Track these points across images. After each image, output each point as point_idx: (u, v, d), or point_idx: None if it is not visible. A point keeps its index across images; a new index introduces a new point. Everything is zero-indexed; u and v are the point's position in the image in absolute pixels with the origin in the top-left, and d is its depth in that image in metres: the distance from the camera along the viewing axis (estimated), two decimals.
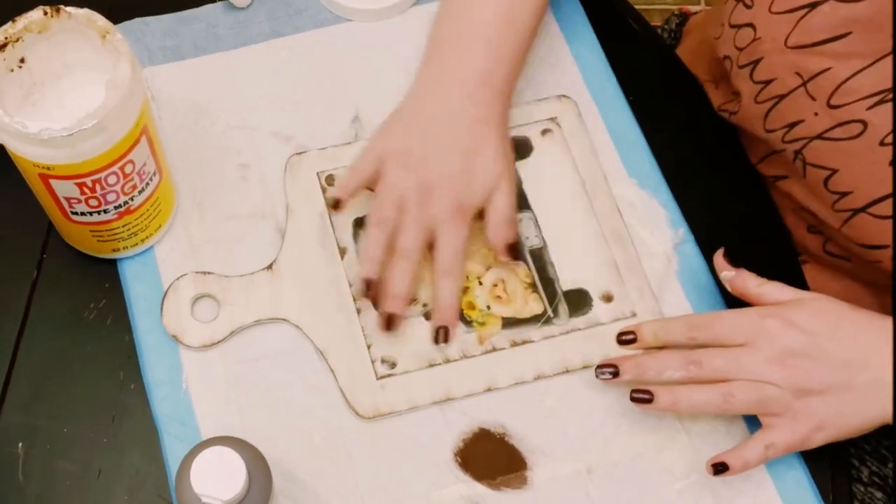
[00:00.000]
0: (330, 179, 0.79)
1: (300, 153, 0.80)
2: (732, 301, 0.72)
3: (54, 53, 0.67)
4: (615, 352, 0.71)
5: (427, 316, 0.74)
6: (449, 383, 0.72)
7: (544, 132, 0.81)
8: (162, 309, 0.73)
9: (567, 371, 0.73)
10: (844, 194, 0.74)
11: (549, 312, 0.75)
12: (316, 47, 0.84)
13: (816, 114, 0.73)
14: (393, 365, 0.73)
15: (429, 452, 0.71)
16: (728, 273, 0.71)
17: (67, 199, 0.68)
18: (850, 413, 0.66)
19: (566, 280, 0.76)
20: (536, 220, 0.78)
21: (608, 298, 0.76)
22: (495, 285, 0.76)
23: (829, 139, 0.73)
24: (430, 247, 0.73)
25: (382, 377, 0.72)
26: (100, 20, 0.65)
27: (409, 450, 0.71)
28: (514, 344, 0.74)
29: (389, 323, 0.73)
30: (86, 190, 0.66)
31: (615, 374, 0.69)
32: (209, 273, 0.75)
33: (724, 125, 0.85)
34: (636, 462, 0.71)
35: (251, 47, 0.84)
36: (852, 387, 0.66)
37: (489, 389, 0.72)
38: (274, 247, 0.76)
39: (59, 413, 0.71)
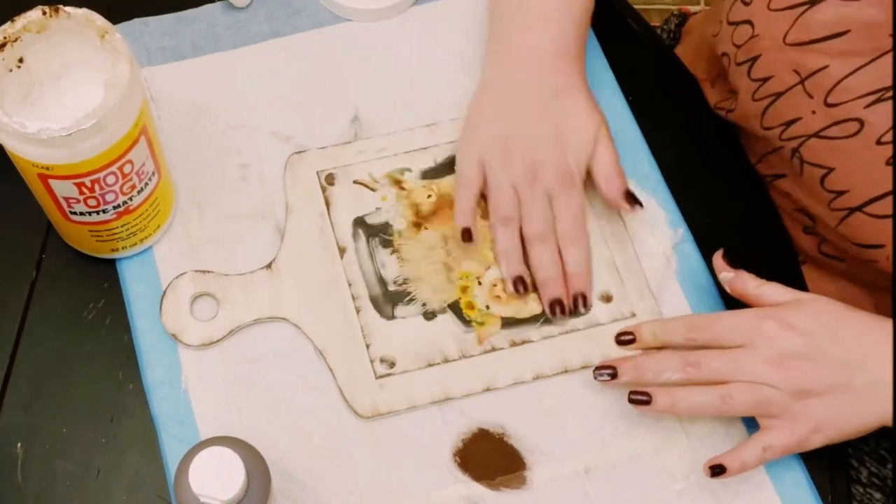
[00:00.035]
0: (329, 178, 0.79)
1: (300, 152, 0.80)
2: (731, 302, 0.72)
3: (53, 53, 0.67)
4: (614, 352, 0.71)
5: (427, 316, 0.74)
6: (448, 383, 0.72)
7: None
8: (161, 307, 0.73)
9: (566, 371, 0.73)
10: (841, 193, 0.74)
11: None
12: (315, 47, 0.84)
13: (814, 112, 0.73)
14: (392, 364, 0.73)
15: (428, 452, 0.71)
16: (727, 274, 0.71)
17: (66, 199, 0.68)
18: (848, 414, 0.66)
19: None
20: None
21: (607, 299, 0.76)
22: (494, 285, 0.76)
23: (826, 137, 0.73)
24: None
25: (381, 377, 0.72)
26: (99, 20, 0.65)
27: (409, 450, 0.71)
28: (514, 344, 0.74)
29: (562, 308, 0.74)
30: (84, 190, 0.66)
31: (613, 376, 0.69)
32: (208, 272, 0.75)
33: (724, 125, 0.85)
34: (635, 463, 0.71)
35: (251, 47, 0.84)
36: (851, 388, 0.66)
37: (488, 389, 0.72)
38: (273, 247, 0.76)
39: (59, 413, 0.72)
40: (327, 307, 0.74)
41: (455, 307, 0.75)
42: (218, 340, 0.73)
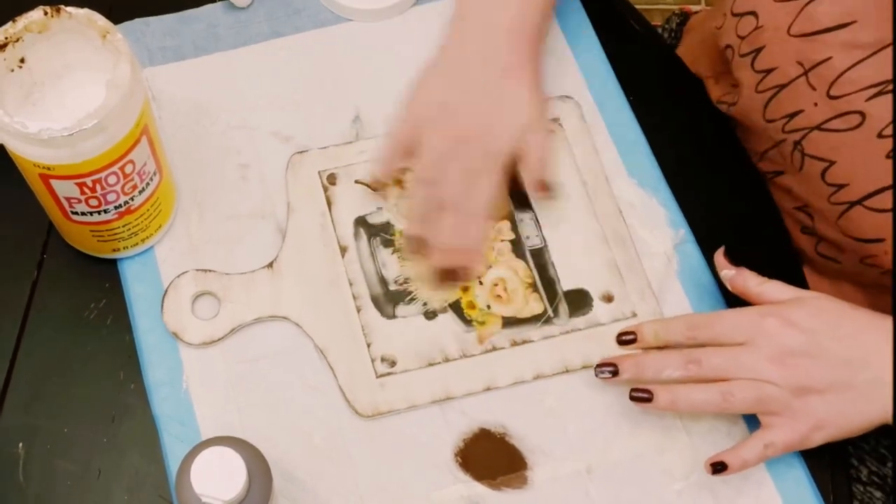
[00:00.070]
0: (331, 178, 0.79)
1: (302, 152, 0.80)
2: (733, 301, 0.72)
3: (54, 53, 0.67)
4: (615, 352, 0.71)
5: (428, 315, 0.75)
6: (448, 382, 0.72)
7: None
8: (162, 306, 0.73)
9: (567, 371, 0.73)
10: (841, 186, 0.74)
11: (550, 312, 0.75)
12: (316, 47, 0.84)
13: (816, 104, 0.73)
14: (393, 363, 0.73)
15: (429, 452, 0.71)
16: (728, 272, 0.71)
17: (67, 199, 0.68)
18: (849, 412, 0.66)
19: (566, 280, 0.76)
20: (537, 220, 0.78)
21: (608, 299, 0.76)
22: (495, 285, 0.76)
23: (828, 130, 0.73)
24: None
25: (382, 375, 0.72)
26: (100, 20, 0.65)
27: (409, 449, 0.71)
28: (514, 343, 0.74)
29: (445, 277, 0.74)
30: (86, 190, 0.66)
31: (614, 373, 0.69)
32: (210, 271, 0.75)
33: (725, 125, 0.85)
34: (636, 462, 0.71)
35: (251, 47, 0.84)
36: (852, 386, 0.66)
37: (488, 389, 0.72)
38: (274, 247, 0.76)
39: (60, 413, 0.72)
40: (328, 306, 0.74)
41: (456, 306, 0.75)
42: (219, 339, 0.73)
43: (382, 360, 0.73)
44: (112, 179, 0.67)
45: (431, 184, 0.74)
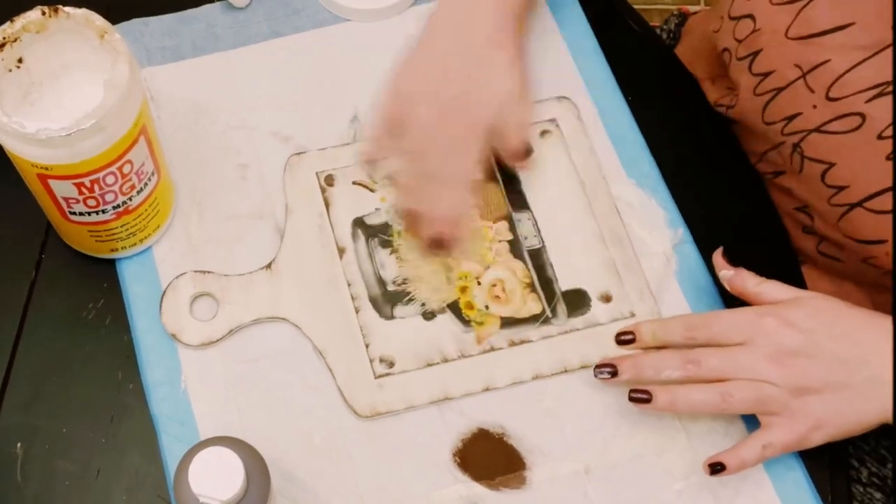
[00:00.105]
0: (329, 179, 0.79)
1: (300, 153, 0.80)
2: (731, 301, 0.72)
3: (52, 53, 0.67)
4: (613, 352, 0.71)
5: (426, 316, 0.74)
6: (447, 383, 0.72)
7: (543, 133, 0.81)
8: (161, 307, 0.73)
9: (565, 371, 0.73)
10: (841, 188, 0.74)
11: (548, 312, 0.75)
12: (315, 47, 0.84)
13: (815, 106, 0.73)
14: (391, 364, 0.73)
15: (428, 452, 0.71)
16: (727, 272, 0.71)
17: (66, 199, 0.68)
18: (848, 412, 0.66)
19: (565, 280, 0.76)
20: (535, 221, 0.78)
21: (607, 299, 0.76)
22: (494, 285, 0.76)
23: (827, 132, 0.73)
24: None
25: (380, 376, 0.72)
26: (98, 20, 0.65)
27: (409, 450, 0.71)
28: (513, 344, 0.74)
29: (436, 245, 0.74)
30: (84, 190, 0.66)
31: (613, 374, 0.69)
32: (208, 272, 0.75)
33: (724, 125, 0.85)
34: (635, 463, 0.71)
35: (250, 47, 0.84)
36: (850, 385, 0.66)
37: (487, 389, 0.72)
38: (273, 247, 0.76)
39: (58, 413, 0.72)
40: (327, 307, 0.74)
41: (454, 307, 0.75)
42: (217, 340, 0.73)
43: (381, 360, 0.73)
44: (110, 179, 0.67)
45: (419, 156, 0.74)
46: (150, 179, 0.70)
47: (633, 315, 0.75)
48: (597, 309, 0.75)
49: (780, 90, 0.76)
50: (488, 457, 0.71)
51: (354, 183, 0.79)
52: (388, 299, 0.75)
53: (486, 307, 0.75)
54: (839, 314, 0.67)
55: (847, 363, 0.66)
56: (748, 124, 0.81)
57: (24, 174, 0.67)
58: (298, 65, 0.83)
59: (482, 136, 0.74)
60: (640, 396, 0.68)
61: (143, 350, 0.73)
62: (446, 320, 0.75)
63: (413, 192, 0.75)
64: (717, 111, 0.86)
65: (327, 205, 0.78)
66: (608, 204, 0.79)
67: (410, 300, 0.75)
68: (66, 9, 0.66)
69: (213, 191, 0.78)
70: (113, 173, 0.66)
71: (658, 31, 1.05)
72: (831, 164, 0.74)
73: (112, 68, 0.64)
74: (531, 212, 0.79)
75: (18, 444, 0.71)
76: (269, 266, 0.75)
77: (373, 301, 0.75)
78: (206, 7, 0.85)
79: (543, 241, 0.78)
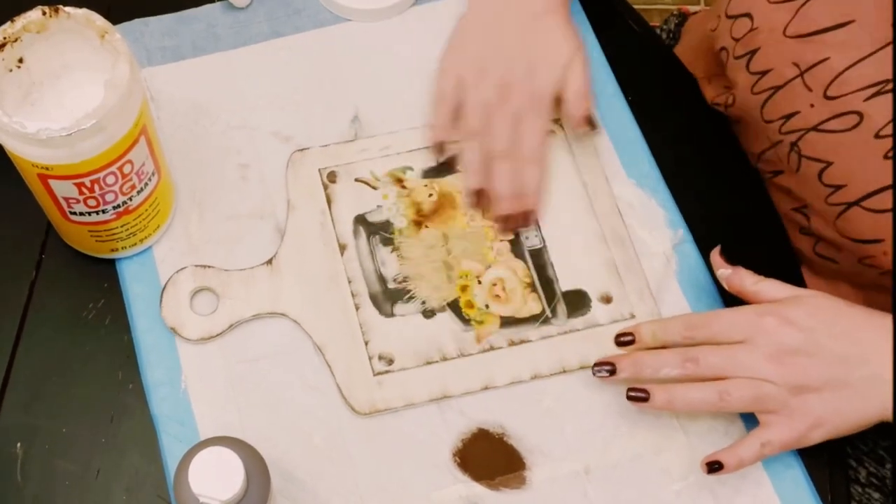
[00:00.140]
0: (331, 176, 0.79)
1: (302, 150, 0.80)
2: (731, 301, 0.72)
3: (53, 53, 0.67)
4: (612, 353, 0.71)
5: (426, 314, 0.75)
6: (446, 381, 0.72)
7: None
8: (161, 301, 0.73)
9: (564, 371, 0.73)
10: (839, 187, 0.74)
11: (548, 312, 0.75)
12: (315, 47, 0.84)
13: (812, 105, 0.73)
14: (390, 361, 0.73)
15: (428, 452, 0.71)
16: (725, 271, 0.71)
17: (66, 199, 0.68)
18: (847, 410, 0.66)
19: (565, 280, 0.76)
20: (536, 221, 0.78)
21: (607, 300, 0.76)
22: (494, 284, 0.76)
23: (825, 131, 0.73)
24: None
25: (379, 373, 0.72)
26: (98, 20, 0.66)
27: (409, 449, 0.71)
28: (512, 343, 0.74)
29: (511, 222, 0.75)
30: (84, 190, 0.67)
31: (612, 372, 0.69)
32: (209, 267, 0.75)
33: (724, 125, 0.85)
34: (634, 463, 0.71)
35: (251, 47, 0.84)
36: (849, 383, 0.66)
37: (486, 388, 0.72)
38: (273, 247, 0.76)
39: (58, 413, 0.72)
40: (327, 304, 0.74)
41: (454, 306, 0.75)
42: (217, 335, 0.73)
43: (380, 357, 0.73)
44: (110, 179, 0.67)
45: (481, 135, 0.76)
46: (150, 179, 0.70)
47: (633, 316, 0.75)
48: (597, 310, 0.75)
49: (777, 88, 0.76)
50: (488, 457, 0.71)
51: (357, 180, 0.79)
52: (388, 297, 0.75)
53: (487, 306, 0.75)
54: (839, 313, 0.67)
55: (847, 361, 0.66)
56: (746, 123, 0.81)
57: (25, 174, 0.67)
58: (299, 65, 0.83)
59: (547, 104, 0.76)
60: (637, 395, 0.68)
61: (144, 350, 0.73)
62: (446, 319, 0.75)
63: (480, 173, 0.76)
64: (716, 111, 0.85)
65: (329, 201, 0.78)
66: (610, 204, 0.79)
67: (411, 298, 0.75)
68: (67, 9, 0.66)
69: (214, 191, 0.78)
70: (113, 173, 0.66)
71: (658, 31, 1.05)
72: (828, 163, 0.74)
73: (112, 68, 0.64)
74: None
75: (18, 444, 0.71)
76: (270, 262, 0.75)
77: (373, 298, 0.75)
78: (207, 7, 0.85)
79: (544, 241, 0.78)
